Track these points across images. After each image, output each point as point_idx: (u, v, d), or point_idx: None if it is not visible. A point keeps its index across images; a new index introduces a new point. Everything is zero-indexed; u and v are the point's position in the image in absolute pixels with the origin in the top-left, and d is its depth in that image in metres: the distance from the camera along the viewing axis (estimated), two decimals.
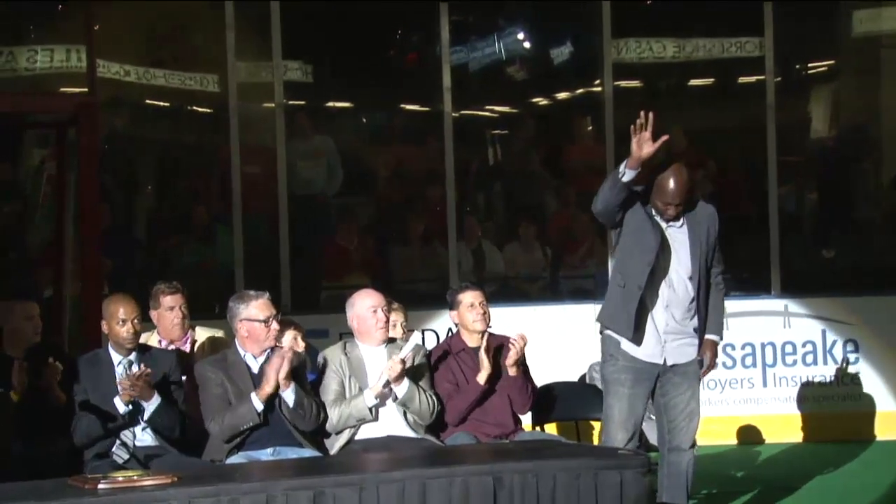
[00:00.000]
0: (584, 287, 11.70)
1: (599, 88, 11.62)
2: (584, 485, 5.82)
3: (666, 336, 6.96)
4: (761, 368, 10.88)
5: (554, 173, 12.25)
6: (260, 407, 6.64)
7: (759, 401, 10.85)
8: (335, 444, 6.94)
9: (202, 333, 7.42)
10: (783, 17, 11.54)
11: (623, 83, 11.84)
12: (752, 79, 11.92)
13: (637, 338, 6.92)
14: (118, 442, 6.65)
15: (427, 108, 11.89)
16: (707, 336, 7.12)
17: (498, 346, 7.27)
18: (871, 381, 10.86)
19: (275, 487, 5.53)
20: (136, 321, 6.80)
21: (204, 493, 5.46)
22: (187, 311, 7.31)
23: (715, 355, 7.15)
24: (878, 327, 10.89)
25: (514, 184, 12.21)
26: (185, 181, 11.88)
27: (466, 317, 7.31)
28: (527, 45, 12.48)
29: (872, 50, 12.67)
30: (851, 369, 10.86)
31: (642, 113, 6.68)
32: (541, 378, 7.58)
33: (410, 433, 6.98)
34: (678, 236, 6.96)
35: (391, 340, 7.19)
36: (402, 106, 12.38)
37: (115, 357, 6.81)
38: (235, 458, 6.60)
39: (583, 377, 9.02)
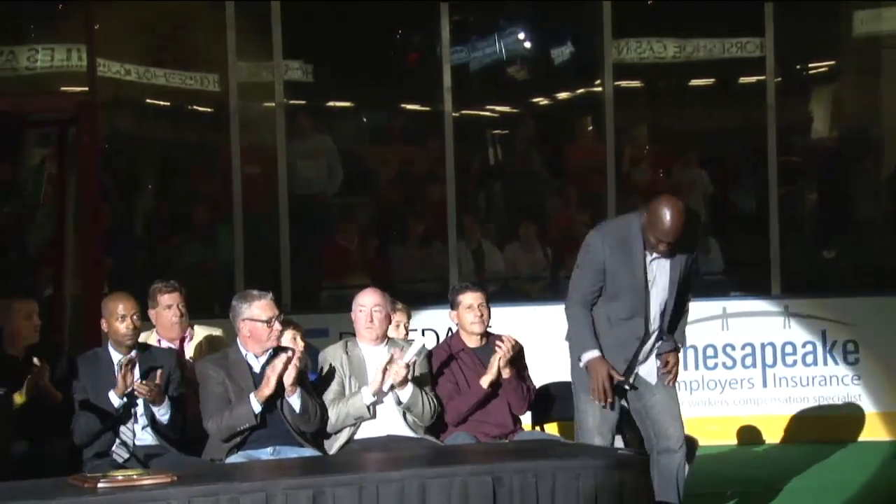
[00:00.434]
0: None
1: (600, 88, 11.62)
2: (583, 484, 5.82)
3: (634, 361, 7.00)
4: (761, 369, 10.88)
5: (554, 173, 12.25)
6: (258, 409, 6.63)
7: (758, 401, 10.85)
8: (335, 444, 6.94)
9: (200, 332, 7.43)
10: (784, 17, 11.54)
11: (624, 83, 11.84)
12: (753, 79, 11.92)
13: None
14: (118, 441, 6.65)
15: (427, 108, 11.89)
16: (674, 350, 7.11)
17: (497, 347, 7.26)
18: (872, 382, 10.86)
19: (274, 487, 5.53)
20: (135, 317, 6.81)
21: (203, 493, 5.46)
22: (185, 309, 7.30)
23: (676, 362, 7.08)
24: (878, 328, 10.88)
25: (515, 184, 12.20)
26: (185, 181, 11.88)
27: (465, 318, 7.31)
28: (527, 45, 12.47)
29: (873, 50, 12.66)
30: (852, 370, 10.86)
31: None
32: (541, 378, 7.58)
33: (410, 433, 6.98)
34: (660, 270, 6.92)
35: (391, 340, 7.19)
36: (403, 106, 12.38)
37: (115, 356, 6.81)
38: (235, 458, 6.60)
39: None
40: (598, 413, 6.95)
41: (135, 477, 5.59)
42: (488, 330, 7.34)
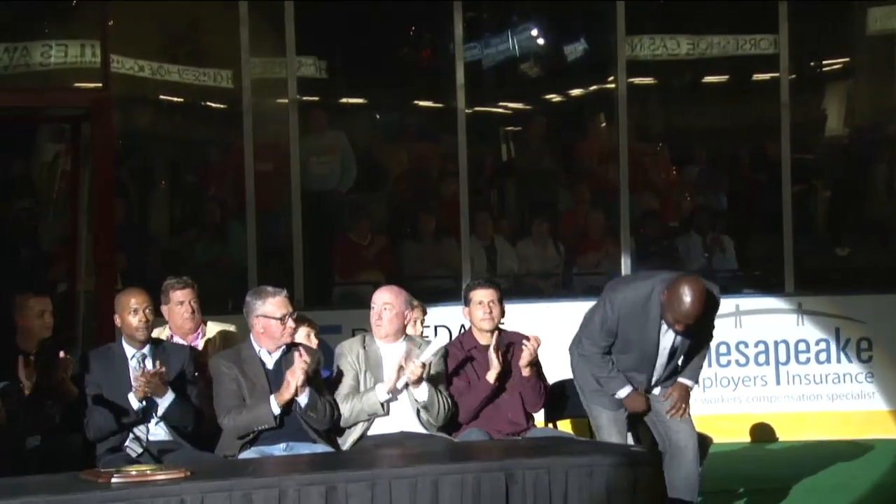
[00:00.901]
0: (597, 284, 11.66)
1: (613, 85, 11.61)
2: (596, 482, 5.82)
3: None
4: (774, 366, 10.86)
5: (567, 170, 12.24)
6: (277, 411, 6.63)
7: (772, 399, 10.84)
8: (348, 440, 6.94)
9: (213, 328, 7.43)
10: (798, 14, 11.52)
11: (637, 80, 11.83)
12: (767, 76, 11.90)
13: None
14: (131, 436, 6.66)
15: (441, 105, 11.89)
16: (680, 379, 7.19)
17: (509, 344, 7.26)
18: (885, 379, 10.84)
19: (287, 483, 5.54)
20: (147, 311, 6.81)
21: (216, 488, 5.47)
22: (198, 305, 7.31)
23: (684, 398, 7.14)
24: (891, 325, 10.87)
25: (528, 180, 12.20)
26: (198, 177, 11.90)
27: (475, 314, 7.30)
28: (541, 41, 12.47)
29: (887, 48, 12.62)
30: (865, 367, 10.84)
31: None
32: (553, 375, 7.57)
33: (423, 430, 6.97)
34: (674, 338, 7.00)
35: (409, 337, 7.18)
36: (416, 102, 12.38)
37: (129, 351, 6.82)
38: (248, 454, 6.61)
39: None
40: (613, 414, 7.05)
41: (148, 472, 5.60)
42: (501, 327, 7.33)
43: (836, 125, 12.89)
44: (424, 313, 8.03)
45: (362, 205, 11.71)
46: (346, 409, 6.90)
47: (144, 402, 6.63)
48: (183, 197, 11.88)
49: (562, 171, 12.25)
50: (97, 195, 9.46)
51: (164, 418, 6.68)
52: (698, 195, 12.25)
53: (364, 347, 7.06)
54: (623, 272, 11.18)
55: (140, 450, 6.63)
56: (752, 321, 10.81)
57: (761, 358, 10.85)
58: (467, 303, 7.36)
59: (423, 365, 6.86)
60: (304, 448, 6.65)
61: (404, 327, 7.13)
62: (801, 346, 10.87)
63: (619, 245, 11.33)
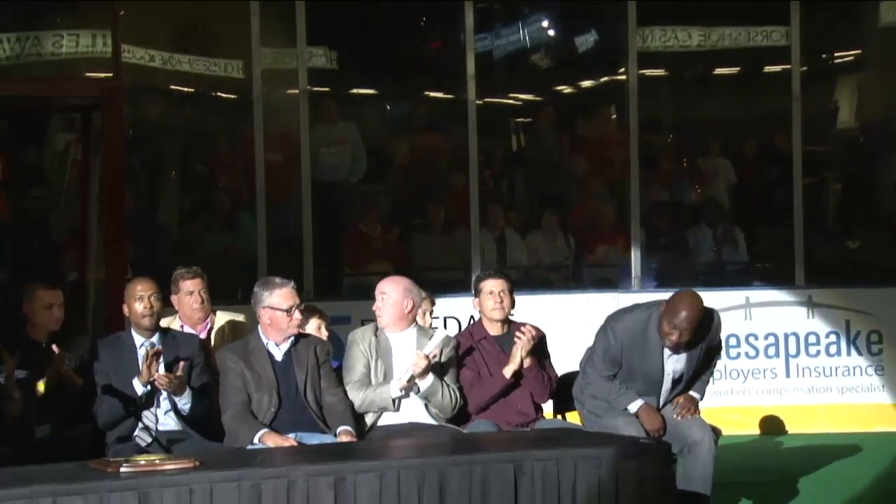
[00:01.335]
0: (606, 276, 11.68)
1: (624, 77, 11.59)
2: (605, 473, 5.82)
3: None
4: (784, 359, 10.85)
5: (577, 162, 12.23)
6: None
7: (781, 391, 10.83)
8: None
9: (223, 317, 7.43)
10: (809, 6, 11.49)
11: (648, 72, 11.81)
12: (778, 68, 11.88)
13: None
14: (140, 426, 6.67)
15: (451, 96, 11.88)
16: (689, 392, 7.25)
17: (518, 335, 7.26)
18: (895, 373, 10.82)
19: (296, 473, 5.54)
20: (153, 298, 6.81)
21: (225, 478, 5.48)
22: (208, 295, 7.31)
23: (690, 409, 7.19)
24: None
25: (538, 172, 12.19)
26: (209, 167, 11.90)
27: (485, 304, 7.30)
28: (551, 33, 12.45)
29: None
30: (875, 360, 10.82)
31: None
32: (563, 366, 7.57)
33: (432, 422, 6.97)
34: (678, 362, 7.07)
35: (419, 328, 7.18)
36: (426, 93, 12.37)
37: (138, 339, 6.83)
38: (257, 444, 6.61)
39: None
40: (627, 417, 7.08)
41: (157, 462, 5.61)
42: (511, 318, 7.33)
43: (848, 118, 12.86)
44: (433, 304, 8.03)
45: (372, 195, 11.72)
46: (357, 397, 6.91)
47: (148, 387, 6.63)
48: (193, 187, 11.89)
49: (572, 162, 12.23)
50: (108, 185, 9.46)
51: (183, 418, 6.68)
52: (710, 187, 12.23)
53: (376, 336, 7.06)
54: (633, 264, 11.18)
55: (149, 439, 6.64)
56: (762, 313, 10.80)
57: (771, 350, 10.84)
58: (477, 293, 7.35)
59: (428, 357, 6.85)
60: (314, 439, 6.65)
61: (410, 316, 7.12)
62: (811, 339, 10.86)
63: (630, 237, 11.32)
